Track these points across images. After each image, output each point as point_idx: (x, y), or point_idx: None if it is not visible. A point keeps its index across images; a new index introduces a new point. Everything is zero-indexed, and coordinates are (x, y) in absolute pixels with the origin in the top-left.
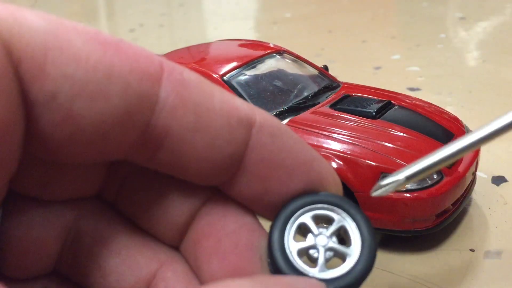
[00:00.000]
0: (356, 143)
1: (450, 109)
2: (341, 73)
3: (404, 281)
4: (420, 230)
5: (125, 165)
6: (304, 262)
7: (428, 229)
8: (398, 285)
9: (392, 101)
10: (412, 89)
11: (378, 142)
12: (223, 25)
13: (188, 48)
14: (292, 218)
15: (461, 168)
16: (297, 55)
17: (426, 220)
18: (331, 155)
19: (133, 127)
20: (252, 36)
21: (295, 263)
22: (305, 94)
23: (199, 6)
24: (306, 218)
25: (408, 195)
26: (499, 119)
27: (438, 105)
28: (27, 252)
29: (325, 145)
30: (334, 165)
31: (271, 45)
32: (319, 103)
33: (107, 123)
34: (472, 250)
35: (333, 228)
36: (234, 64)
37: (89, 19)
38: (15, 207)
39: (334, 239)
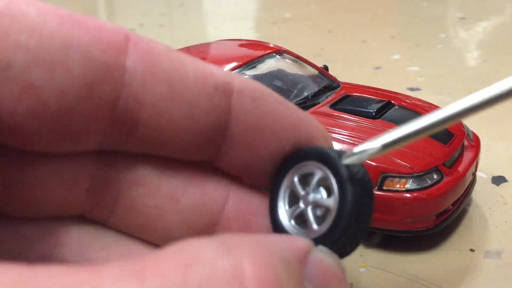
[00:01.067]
0: (356, 143)
1: None
2: (341, 73)
3: (404, 281)
4: (420, 230)
5: (119, 172)
6: (299, 224)
7: (428, 229)
8: (398, 285)
9: (392, 101)
10: (412, 89)
11: None
12: (223, 25)
13: (188, 48)
14: (284, 184)
15: (461, 168)
16: (297, 55)
17: (426, 220)
18: None
19: (101, 100)
20: (252, 36)
21: (287, 227)
22: (305, 94)
23: (199, 6)
24: (293, 181)
25: (408, 195)
26: (480, 92)
27: (438, 105)
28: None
29: None
30: None
31: (271, 45)
32: (319, 103)
33: (70, 94)
34: (472, 250)
35: (313, 182)
36: (234, 64)
37: None
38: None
39: (322, 192)
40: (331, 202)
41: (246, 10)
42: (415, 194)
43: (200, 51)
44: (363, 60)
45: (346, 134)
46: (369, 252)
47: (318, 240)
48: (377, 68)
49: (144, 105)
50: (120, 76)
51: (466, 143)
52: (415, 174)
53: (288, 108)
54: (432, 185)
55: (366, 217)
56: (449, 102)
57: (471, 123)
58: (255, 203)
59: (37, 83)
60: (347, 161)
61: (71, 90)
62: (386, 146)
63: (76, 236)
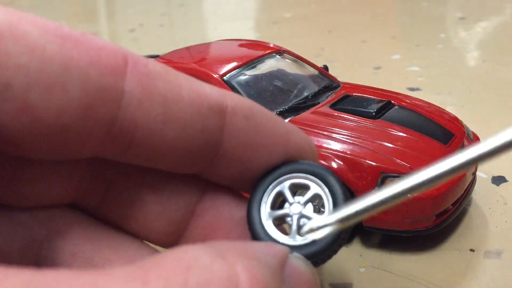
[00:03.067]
0: (356, 143)
1: (450, 109)
2: (341, 73)
3: (404, 281)
4: (420, 230)
5: (109, 167)
6: (280, 230)
7: (428, 229)
8: (398, 285)
9: (392, 101)
10: (412, 89)
11: (378, 142)
12: (223, 25)
13: (188, 48)
14: (270, 188)
15: None
16: (297, 55)
17: (426, 220)
18: (331, 155)
19: (98, 122)
20: (252, 36)
21: (268, 231)
22: (305, 94)
23: (199, 6)
24: (283, 187)
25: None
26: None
27: (438, 105)
28: None
29: (325, 145)
30: (334, 165)
31: (271, 45)
32: (319, 103)
33: (67, 116)
34: (472, 250)
35: (307, 196)
36: (234, 64)
37: (89, 19)
38: None
39: (310, 207)
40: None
41: (246, 10)
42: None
43: (200, 51)
44: (363, 60)
45: (346, 134)
46: (369, 252)
47: (296, 248)
48: (377, 68)
49: (140, 127)
50: (117, 99)
51: (466, 143)
52: None
53: (278, 123)
54: None
55: (343, 244)
56: (449, 102)
57: (471, 123)
58: (230, 201)
59: (35, 103)
60: (305, 235)
61: (68, 111)
62: (342, 221)
63: (68, 223)
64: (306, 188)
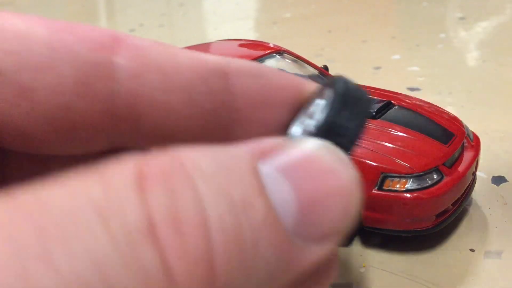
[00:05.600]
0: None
1: (450, 109)
2: (341, 73)
3: (404, 281)
4: (420, 230)
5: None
6: None
7: (428, 229)
8: (398, 285)
9: (392, 101)
10: (412, 89)
11: (378, 142)
12: (223, 25)
13: (188, 48)
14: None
15: (461, 168)
16: (297, 55)
17: (426, 220)
18: None
19: (96, 98)
20: (252, 36)
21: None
22: None
23: (199, 6)
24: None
25: (408, 195)
26: None
27: (438, 105)
28: None
29: None
30: None
31: (271, 45)
32: None
33: (63, 94)
34: (472, 250)
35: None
36: None
37: (89, 19)
38: None
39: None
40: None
41: (246, 10)
42: (415, 194)
43: (200, 51)
44: (363, 60)
45: None
46: (369, 252)
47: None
48: (377, 68)
49: (141, 98)
50: (111, 73)
51: (466, 143)
52: (415, 174)
53: (286, 76)
54: (432, 185)
55: (362, 103)
56: (449, 102)
57: (471, 123)
58: None
59: (30, 85)
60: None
61: (64, 89)
62: None
63: None
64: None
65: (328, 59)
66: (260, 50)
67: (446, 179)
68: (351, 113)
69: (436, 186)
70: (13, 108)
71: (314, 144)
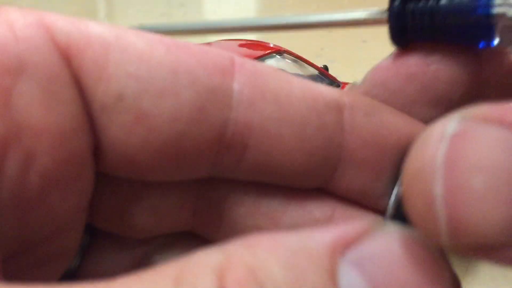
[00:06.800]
0: None
1: None
2: (341, 73)
3: None
4: None
5: (220, 190)
6: None
7: None
8: None
9: None
10: None
11: None
12: None
13: None
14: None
15: None
16: (297, 55)
17: None
18: None
19: (211, 125)
20: (252, 36)
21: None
22: None
23: (199, 6)
24: None
25: None
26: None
27: None
28: None
29: None
30: None
31: (271, 45)
32: None
33: (180, 121)
34: None
35: None
36: None
37: (89, 19)
38: (92, 245)
39: None
40: None
41: (246, 10)
42: None
43: None
44: (363, 60)
45: None
46: None
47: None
48: None
49: (253, 128)
50: (227, 99)
51: None
52: None
53: (402, 118)
54: None
55: None
56: None
57: None
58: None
59: (148, 112)
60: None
61: (181, 115)
62: None
63: (179, 250)
64: None
65: (328, 59)
66: (260, 50)
67: None
68: None
69: None
70: (128, 136)
71: (399, 237)
